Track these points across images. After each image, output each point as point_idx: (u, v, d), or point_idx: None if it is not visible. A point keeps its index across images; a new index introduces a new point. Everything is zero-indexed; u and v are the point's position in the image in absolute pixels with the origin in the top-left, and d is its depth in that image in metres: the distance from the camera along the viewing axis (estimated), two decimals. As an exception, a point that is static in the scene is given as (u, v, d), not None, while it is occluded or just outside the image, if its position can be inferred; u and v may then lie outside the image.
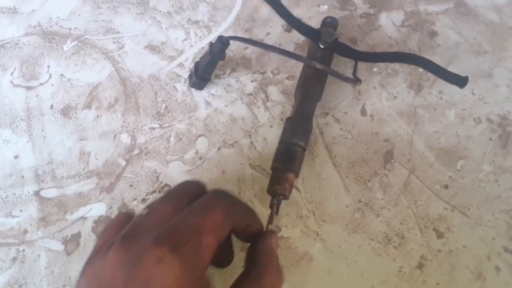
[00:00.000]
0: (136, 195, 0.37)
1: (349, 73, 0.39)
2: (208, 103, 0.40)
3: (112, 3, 0.46)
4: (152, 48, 0.43)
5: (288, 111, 0.40)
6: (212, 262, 0.25)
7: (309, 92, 0.38)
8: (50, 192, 0.38)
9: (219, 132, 0.39)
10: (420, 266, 0.34)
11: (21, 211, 0.37)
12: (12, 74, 0.42)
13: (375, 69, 0.41)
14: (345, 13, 0.44)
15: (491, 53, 0.42)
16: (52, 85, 0.42)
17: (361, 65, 0.41)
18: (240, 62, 0.42)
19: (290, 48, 0.43)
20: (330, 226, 0.36)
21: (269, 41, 0.43)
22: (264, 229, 0.30)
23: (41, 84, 0.42)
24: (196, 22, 0.44)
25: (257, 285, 0.25)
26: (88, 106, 0.41)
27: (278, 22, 0.44)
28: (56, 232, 0.36)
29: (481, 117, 0.39)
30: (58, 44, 0.44)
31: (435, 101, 0.40)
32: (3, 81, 0.42)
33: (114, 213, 0.37)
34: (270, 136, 0.39)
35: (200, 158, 0.38)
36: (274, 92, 0.41)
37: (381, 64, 0.41)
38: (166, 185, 0.38)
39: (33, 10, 0.46)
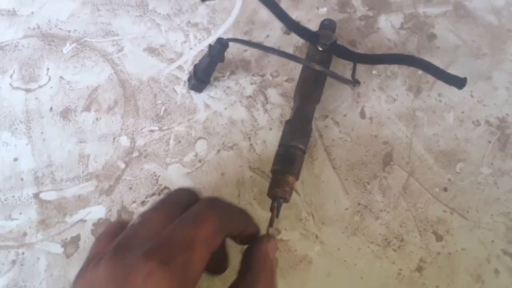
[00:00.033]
0: (136, 198, 0.37)
1: (348, 76, 0.39)
2: (207, 106, 0.40)
3: (111, 6, 0.46)
4: (152, 50, 0.43)
5: (288, 114, 0.40)
6: (206, 269, 0.24)
7: (308, 95, 0.38)
8: (49, 195, 0.38)
9: (219, 134, 0.39)
10: (419, 269, 0.34)
11: (21, 213, 0.37)
12: (11, 76, 0.42)
13: (374, 72, 0.41)
14: (344, 15, 0.44)
15: (490, 56, 0.42)
16: (51, 87, 0.42)
17: (360, 68, 0.41)
18: (240, 64, 0.42)
19: (289, 50, 0.43)
20: (330, 229, 0.36)
21: (268, 43, 0.43)
22: (265, 232, 0.30)
23: (40, 86, 0.42)
24: (196, 24, 0.44)
25: None
26: (87, 108, 0.41)
27: (277, 25, 0.44)
28: (56, 235, 0.36)
29: (480, 119, 0.39)
30: (57, 47, 0.44)
31: (434, 104, 0.40)
32: (2, 83, 0.42)
33: (114, 215, 0.37)
34: (270, 139, 0.39)
35: (200, 161, 0.38)
36: (273, 94, 0.41)
37: (380, 67, 0.42)
38: (165, 187, 0.38)
39: (32, 13, 0.46)
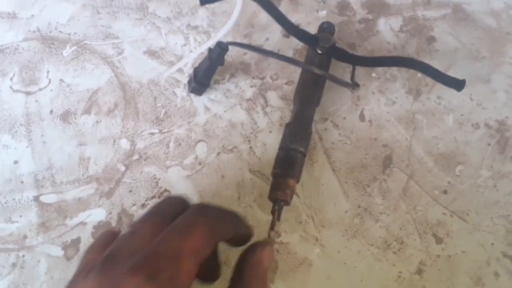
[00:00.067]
0: (136, 201, 0.37)
1: (347, 79, 0.39)
2: (207, 109, 0.41)
3: (112, 8, 0.46)
4: (152, 53, 0.43)
5: (287, 117, 0.40)
6: (198, 277, 0.24)
7: (308, 98, 0.38)
8: (49, 198, 0.38)
9: (219, 137, 0.39)
10: (419, 272, 0.34)
11: (21, 216, 0.37)
12: (11, 79, 0.42)
13: (373, 75, 0.41)
14: (344, 18, 0.44)
15: (489, 59, 0.42)
16: (51, 90, 0.42)
17: (360, 71, 0.41)
18: (239, 67, 0.42)
19: (289, 53, 0.43)
20: (329, 232, 0.36)
21: (268, 46, 0.43)
22: (267, 235, 0.30)
23: (40, 89, 0.42)
24: (195, 27, 0.44)
25: None
26: (87, 111, 0.41)
27: (277, 28, 0.44)
28: (56, 238, 0.36)
29: (479, 122, 0.39)
30: (57, 49, 0.44)
31: (433, 107, 0.40)
32: (2, 86, 0.42)
33: (114, 218, 0.37)
34: (269, 142, 0.39)
35: (200, 163, 0.38)
36: (273, 97, 0.41)
37: (380, 70, 0.42)
38: (165, 190, 0.38)
39: (33, 15, 0.46)
